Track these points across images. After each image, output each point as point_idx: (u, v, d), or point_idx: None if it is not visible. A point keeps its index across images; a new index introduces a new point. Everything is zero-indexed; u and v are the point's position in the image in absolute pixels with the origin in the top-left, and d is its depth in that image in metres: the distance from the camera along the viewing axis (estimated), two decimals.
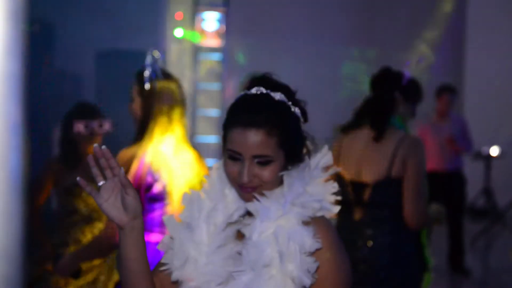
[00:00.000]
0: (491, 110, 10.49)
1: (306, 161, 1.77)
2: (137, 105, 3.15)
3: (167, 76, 3.19)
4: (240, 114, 1.71)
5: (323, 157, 1.81)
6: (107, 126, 4.01)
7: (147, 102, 3.11)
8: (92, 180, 1.73)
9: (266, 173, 1.70)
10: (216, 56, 8.65)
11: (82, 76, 6.10)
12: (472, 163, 9.25)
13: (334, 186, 1.76)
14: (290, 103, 1.76)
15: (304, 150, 1.80)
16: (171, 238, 1.79)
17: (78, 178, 1.71)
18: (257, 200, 1.70)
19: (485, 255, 8.65)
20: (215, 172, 1.85)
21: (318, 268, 1.64)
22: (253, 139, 1.68)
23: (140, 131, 3.12)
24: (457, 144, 7.08)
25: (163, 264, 1.79)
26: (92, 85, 6.21)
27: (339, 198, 1.78)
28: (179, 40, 8.40)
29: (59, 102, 5.35)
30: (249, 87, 1.78)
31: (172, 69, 8.48)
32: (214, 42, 8.59)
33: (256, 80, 1.80)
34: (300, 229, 1.64)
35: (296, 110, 1.78)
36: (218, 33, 8.56)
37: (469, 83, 10.59)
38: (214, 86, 8.68)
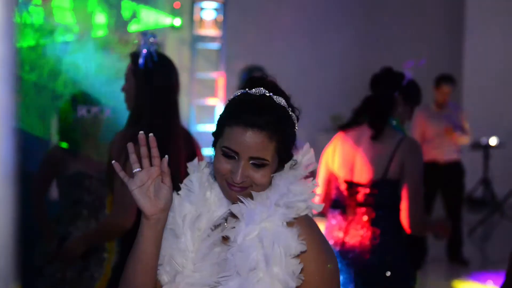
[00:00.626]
0: (490, 100, 10.48)
1: (292, 160, 1.76)
2: (130, 86, 3.09)
3: (162, 58, 3.12)
4: (242, 113, 1.67)
5: (305, 155, 1.79)
6: (108, 112, 4.02)
7: (141, 82, 3.05)
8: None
9: (259, 176, 1.68)
10: (214, 46, 8.62)
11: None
12: (471, 153, 9.24)
13: (314, 183, 1.74)
14: (290, 109, 1.75)
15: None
16: None
17: (113, 162, 1.68)
18: (242, 202, 1.67)
19: (483, 245, 8.66)
20: (193, 175, 1.82)
21: (303, 269, 1.62)
22: (254, 140, 1.65)
23: (134, 113, 3.05)
24: (456, 134, 7.07)
25: None
26: (89, 73, 6.16)
27: (319, 194, 1.77)
28: (177, 30, 8.37)
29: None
30: (249, 86, 1.75)
31: (171, 58, 8.47)
32: (212, 31, 8.56)
33: (255, 81, 1.76)
34: (284, 231, 1.62)
35: (294, 116, 1.76)
36: (216, 23, 8.53)
37: (468, 73, 10.56)
38: (212, 75, 8.66)
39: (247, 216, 1.64)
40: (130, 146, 1.66)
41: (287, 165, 1.74)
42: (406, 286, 3.29)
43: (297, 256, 1.61)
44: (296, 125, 1.77)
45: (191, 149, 3.17)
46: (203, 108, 8.46)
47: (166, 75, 3.08)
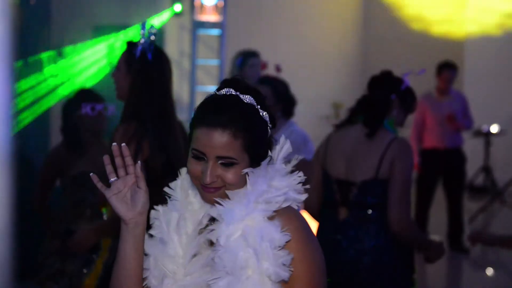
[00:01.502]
0: (491, 87, 10.45)
1: (267, 157, 1.73)
2: (121, 74, 3.05)
3: (158, 51, 3.07)
4: (206, 114, 1.69)
5: (282, 147, 1.76)
6: (111, 109, 3.99)
7: (135, 73, 3.00)
8: (98, 168, 1.72)
9: (230, 175, 1.67)
10: (215, 32, 8.58)
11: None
12: (472, 140, 9.22)
13: (299, 175, 1.72)
14: (259, 106, 1.73)
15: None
16: (146, 255, 1.76)
17: (91, 174, 1.72)
18: (220, 204, 1.66)
19: (484, 232, 8.65)
20: (173, 183, 1.83)
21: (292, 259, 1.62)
22: (218, 140, 1.65)
23: (129, 104, 3.01)
24: (458, 122, 7.04)
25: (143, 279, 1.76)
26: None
27: (307, 186, 1.74)
28: (178, 15, 8.33)
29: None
30: (219, 88, 1.76)
31: (171, 44, 8.44)
32: (213, 17, 8.51)
33: (227, 82, 1.77)
34: (267, 225, 1.62)
35: (265, 114, 1.75)
36: (217, 8, 8.48)
37: (469, 60, 10.53)
38: (213, 61, 8.62)
39: (226, 217, 1.64)
40: (106, 158, 1.70)
41: (264, 162, 1.71)
42: (402, 287, 3.27)
43: (283, 247, 1.61)
44: (269, 123, 1.76)
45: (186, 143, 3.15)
46: (204, 95, 8.43)
47: (161, 68, 3.03)
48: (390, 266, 3.23)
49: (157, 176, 2.81)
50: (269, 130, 1.76)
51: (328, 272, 3.31)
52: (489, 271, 6.77)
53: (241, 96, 1.72)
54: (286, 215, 1.66)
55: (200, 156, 1.68)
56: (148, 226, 1.79)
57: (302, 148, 4.18)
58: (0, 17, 0.73)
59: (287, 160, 1.76)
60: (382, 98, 3.35)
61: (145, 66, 3.00)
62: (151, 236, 1.78)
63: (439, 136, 7.06)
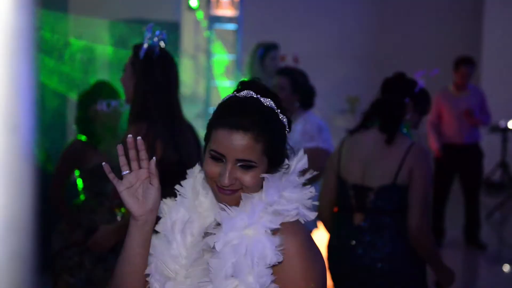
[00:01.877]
0: (509, 82, 10.36)
1: (283, 166, 1.73)
2: (127, 77, 3.05)
3: (164, 53, 3.06)
4: (227, 116, 1.68)
5: (299, 161, 1.75)
6: (127, 105, 4.00)
7: (139, 75, 3.00)
8: (112, 162, 1.71)
9: (248, 178, 1.66)
10: (231, 26, 8.57)
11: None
12: (489, 136, 9.16)
13: (311, 191, 1.71)
14: (278, 110, 1.73)
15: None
16: (149, 254, 1.75)
17: (103, 163, 1.70)
18: (226, 209, 1.66)
19: (500, 228, 8.61)
20: (185, 181, 1.82)
21: (282, 278, 1.61)
22: (239, 142, 1.65)
23: (135, 106, 3.00)
24: (475, 117, 7.00)
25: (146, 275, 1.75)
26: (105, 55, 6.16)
27: (316, 203, 1.73)
28: (193, 10, 8.32)
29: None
30: (239, 90, 1.75)
31: (187, 40, 8.44)
32: (229, 12, 8.51)
33: (246, 84, 1.76)
34: (264, 240, 1.60)
35: (284, 118, 1.74)
36: (233, 3, 8.47)
37: (486, 55, 10.45)
38: (229, 56, 8.62)
39: (226, 224, 1.63)
40: (120, 148, 1.69)
41: (281, 171, 1.71)
42: None
43: (273, 266, 1.60)
44: (287, 128, 1.75)
45: (197, 143, 3.16)
46: (221, 90, 8.43)
47: (165, 70, 3.02)
48: (405, 273, 3.21)
49: (170, 176, 2.82)
50: (287, 134, 1.76)
51: (342, 278, 3.32)
52: (506, 268, 6.73)
53: (262, 99, 1.71)
54: (291, 231, 1.64)
55: (219, 158, 1.67)
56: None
57: (316, 136, 4.20)
58: (23, 9, 0.73)
59: (301, 172, 1.74)
60: (396, 102, 3.33)
61: (149, 67, 3.00)
62: (155, 232, 1.77)
63: (456, 131, 7.02)
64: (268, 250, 1.59)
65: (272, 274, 1.60)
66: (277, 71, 4.62)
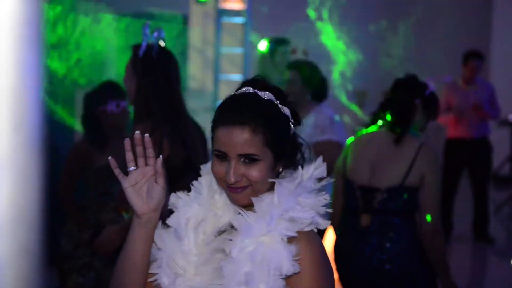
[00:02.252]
0: None
1: (299, 171, 1.70)
2: (129, 76, 3.02)
3: (163, 51, 3.03)
4: (224, 114, 1.68)
5: (317, 168, 1.72)
6: None
7: (139, 74, 2.98)
8: (120, 162, 1.70)
9: (254, 172, 1.65)
10: (239, 20, 8.55)
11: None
12: (498, 130, 9.12)
13: (325, 198, 1.68)
14: (278, 102, 1.71)
15: (299, 156, 1.75)
16: (158, 249, 1.74)
17: (109, 157, 1.69)
18: (243, 214, 1.64)
19: (509, 223, 8.58)
20: (205, 177, 1.80)
21: (296, 284, 1.59)
22: (238, 137, 1.64)
23: (138, 105, 2.99)
24: (484, 111, 6.96)
25: (152, 274, 1.73)
26: (111, 48, 6.16)
27: (329, 210, 1.71)
28: (202, 4, 8.31)
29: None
30: (238, 88, 1.75)
31: (195, 33, 8.43)
32: (237, 5, 8.49)
33: (246, 82, 1.76)
34: (280, 249, 1.58)
35: (285, 109, 1.72)
36: None
37: (496, 49, 10.40)
38: (237, 50, 8.60)
39: (244, 230, 1.62)
40: (127, 143, 1.68)
41: (295, 175, 1.69)
42: None
43: (289, 276, 1.58)
44: (291, 118, 1.73)
45: (203, 139, 3.15)
46: (228, 84, 8.42)
47: (165, 67, 3.00)
48: (413, 274, 3.20)
49: (177, 174, 2.81)
50: (292, 126, 1.74)
51: (350, 280, 3.31)
52: None
53: (260, 93, 1.70)
54: (306, 240, 1.63)
55: (223, 156, 1.67)
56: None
57: (329, 129, 4.17)
58: (30, 2, 0.72)
59: (317, 179, 1.71)
60: (406, 102, 3.31)
61: (149, 66, 2.98)
62: (167, 226, 1.75)
63: (465, 125, 6.99)
64: (285, 260, 1.58)
65: (285, 284, 1.59)
66: (287, 65, 4.61)
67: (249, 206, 1.68)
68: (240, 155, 1.65)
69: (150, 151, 1.69)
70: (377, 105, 3.48)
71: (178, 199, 1.78)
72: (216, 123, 1.69)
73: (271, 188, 1.67)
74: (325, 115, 4.27)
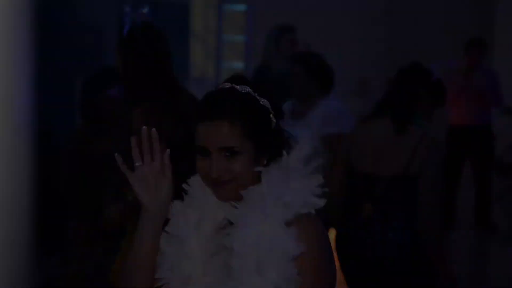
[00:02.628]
0: None
1: (285, 156, 1.69)
2: (116, 58, 2.99)
3: (147, 27, 2.98)
4: (203, 110, 1.68)
5: (301, 148, 1.71)
6: None
7: (124, 53, 2.93)
8: (120, 150, 1.70)
9: (236, 165, 1.64)
10: (240, 7, 8.53)
11: (104, 28, 6.03)
12: (501, 117, 9.09)
13: (319, 179, 1.67)
14: (256, 94, 1.70)
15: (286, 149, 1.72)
16: (162, 254, 1.72)
17: (115, 154, 1.69)
18: (235, 207, 1.64)
19: None
20: (191, 179, 1.78)
21: (302, 265, 1.59)
22: (217, 131, 1.64)
23: (129, 85, 2.96)
24: (487, 98, 6.94)
25: (158, 279, 1.72)
26: (113, 37, 6.14)
27: (325, 189, 1.69)
28: None
29: (80, 55, 5.30)
30: (216, 86, 1.75)
31: (196, 21, 8.41)
32: None
33: (226, 80, 1.75)
34: (282, 233, 1.58)
35: (265, 101, 1.70)
36: None
37: (499, 36, 10.36)
38: (239, 38, 8.58)
39: (240, 221, 1.62)
40: (133, 139, 1.68)
41: (282, 161, 1.68)
42: (427, 285, 3.25)
43: (295, 258, 1.58)
44: (271, 110, 1.71)
45: None
46: (230, 72, 8.40)
47: (151, 44, 2.94)
48: (415, 263, 3.19)
49: (179, 152, 2.78)
50: (273, 118, 1.71)
51: (352, 269, 3.31)
52: None
53: (237, 87, 1.70)
54: (305, 222, 1.62)
55: (204, 152, 1.66)
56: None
57: (337, 121, 4.13)
58: None
59: (307, 161, 1.70)
60: (409, 92, 3.28)
61: (132, 44, 2.93)
62: (166, 232, 1.73)
63: (467, 113, 6.96)
64: (289, 242, 1.58)
65: (294, 267, 1.59)
66: (290, 58, 4.56)
67: (237, 201, 1.66)
68: (221, 149, 1.64)
69: (156, 145, 1.69)
70: (380, 93, 3.46)
71: (174, 207, 1.75)
72: (196, 120, 1.69)
73: (258, 180, 1.66)
74: (331, 107, 4.22)
